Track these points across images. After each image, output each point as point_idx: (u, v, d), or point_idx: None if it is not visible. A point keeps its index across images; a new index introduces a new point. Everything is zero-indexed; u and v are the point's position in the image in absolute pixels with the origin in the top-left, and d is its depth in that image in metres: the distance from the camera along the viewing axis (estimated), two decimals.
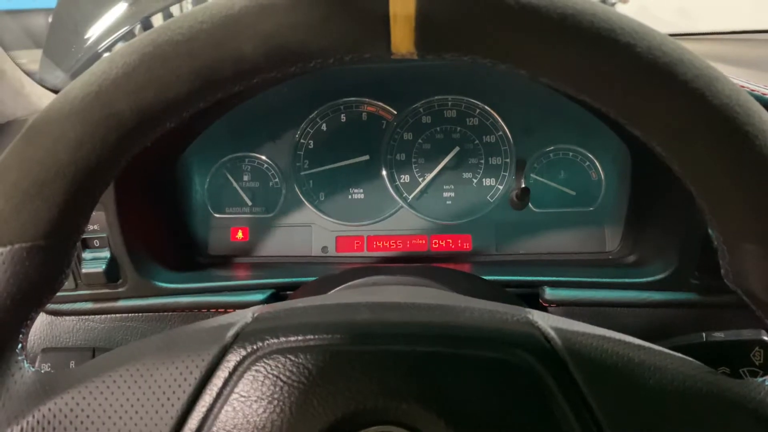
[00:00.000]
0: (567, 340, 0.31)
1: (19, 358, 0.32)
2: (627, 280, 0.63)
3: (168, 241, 0.70)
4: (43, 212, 0.30)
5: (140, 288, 0.64)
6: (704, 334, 0.50)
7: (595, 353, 0.31)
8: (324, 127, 0.75)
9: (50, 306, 0.64)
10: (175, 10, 1.11)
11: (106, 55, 0.31)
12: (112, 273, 0.63)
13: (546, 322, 0.33)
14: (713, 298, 0.60)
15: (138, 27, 1.11)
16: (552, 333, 0.32)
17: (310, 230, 0.76)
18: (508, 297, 0.55)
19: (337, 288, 0.53)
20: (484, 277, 0.62)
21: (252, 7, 0.27)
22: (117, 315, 0.65)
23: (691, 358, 0.34)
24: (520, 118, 0.73)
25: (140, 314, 0.65)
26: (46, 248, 0.31)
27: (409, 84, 0.74)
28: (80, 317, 0.65)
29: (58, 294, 0.62)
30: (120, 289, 0.64)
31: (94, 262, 0.62)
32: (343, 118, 0.75)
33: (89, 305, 0.64)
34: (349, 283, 0.53)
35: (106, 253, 0.62)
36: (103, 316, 0.65)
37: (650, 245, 0.67)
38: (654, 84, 0.27)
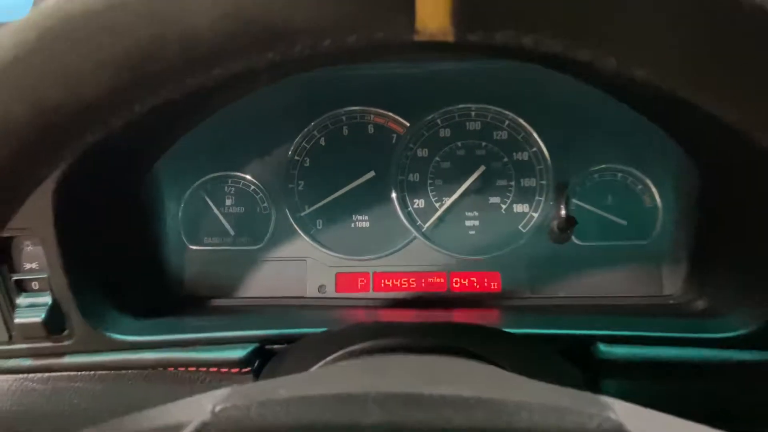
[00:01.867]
0: None
1: None
2: (701, 335, 0.50)
3: (130, 280, 0.57)
4: None
5: (91, 341, 0.52)
6: None
7: None
8: (323, 141, 0.64)
9: None
10: None
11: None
12: (55, 323, 0.51)
13: (638, 426, 0.24)
14: None
15: None
16: None
17: (305, 265, 0.64)
18: (564, 369, 0.43)
19: (336, 354, 0.40)
20: (522, 330, 0.49)
21: None
22: (63, 373, 0.52)
23: None
24: (558, 131, 0.63)
25: (92, 373, 0.52)
26: None
27: (425, 90, 0.64)
28: (17, 376, 0.52)
29: None
30: (66, 343, 0.52)
31: (31, 309, 0.50)
32: (345, 131, 0.65)
33: (27, 362, 0.52)
34: (351, 348, 0.40)
35: (47, 299, 0.50)
36: (45, 374, 0.52)
37: (724, 289, 0.54)
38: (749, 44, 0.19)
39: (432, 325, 0.43)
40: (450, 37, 0.21)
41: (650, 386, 0.50)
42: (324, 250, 0.64)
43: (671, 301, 0.59)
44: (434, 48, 0.21)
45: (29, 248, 0.50)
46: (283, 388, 0.28)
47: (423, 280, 0.63)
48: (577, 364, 0.46)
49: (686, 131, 0.53)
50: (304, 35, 0.21)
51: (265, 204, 0.64)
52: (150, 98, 0.23)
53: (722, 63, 0.20)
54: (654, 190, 0.61)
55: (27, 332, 0.50)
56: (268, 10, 0.20)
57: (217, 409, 0.26)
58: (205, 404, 0.26)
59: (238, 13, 0.20)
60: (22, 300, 0.50)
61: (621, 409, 0.25)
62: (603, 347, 0.50)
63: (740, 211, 0.53)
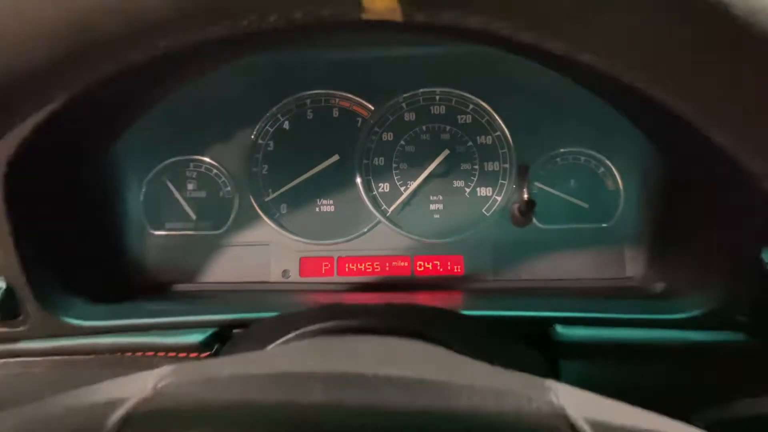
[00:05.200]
0: None
1: None
2: (656, 317, 0.51)
3: (88, 264, 0.56)
4: None
5: (46, 326, 0.51)
6: None
7: None
8: (287, 125, 0.64)
9: None
10: None
11: None
12: (8, 307, 0.50)
13: (580, 411, 0.24)
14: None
15: None
16: (587, 429, 0.23)
17: (268, 250, 0.64)
18: (518, 351, 0.43)
19: (287, 336, 0.40)
20: (481, 312, 0.50)
21: None
22: (18, 359, 0.51)
23: None
24: (522, 115, 0.63)
25: (47, 358, 0.51)
26: None
27: (390, 74, 0.63)
28: None
29: None
30: (20, 328, 0.51)
31: None
32: (309, 114, 0.64)
33: None
34: (303, 330, 0.40)
35: (0, 283, 0.49)
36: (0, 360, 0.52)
37: (684, 272, 0.55)
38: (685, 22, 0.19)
39: (385, 306, 0.43)
40: (397, 17, 0.20)
41: (607, 367, 0.50)
42: (288, 234, 0.63)
43: (633, 284, 0.60)
44: (383, 27, 0.21)
45: None
46: (227, 366, 0.28)
47: (387, 264, 0.63)
48: (536, 347, 0.46)
49: (647, 117, 0.53)
50: (250, 10, 0.20)
51: (228, 188, 0.64)
52: (89, 75, 0.22)
53: (666, 51, 0.20)
54: (616, 173, 0.61)
55: None
56: None
57: (159, 385, 0.25)
58: (148, 381, 0.26)
59: None
60: None
61: (563, 393, 0.26)
62: (560, 329, 0.51)
63: (698, 197, 0.53)
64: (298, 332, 0.39)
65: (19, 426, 0.25)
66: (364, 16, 0.21)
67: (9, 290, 0.50)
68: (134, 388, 0.25)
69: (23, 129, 0.44)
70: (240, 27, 0.21)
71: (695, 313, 0.50)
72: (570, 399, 0.25)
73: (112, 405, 0.24)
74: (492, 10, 0.20)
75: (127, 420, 0.24)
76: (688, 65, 0.20)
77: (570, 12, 0.20)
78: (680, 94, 0.21)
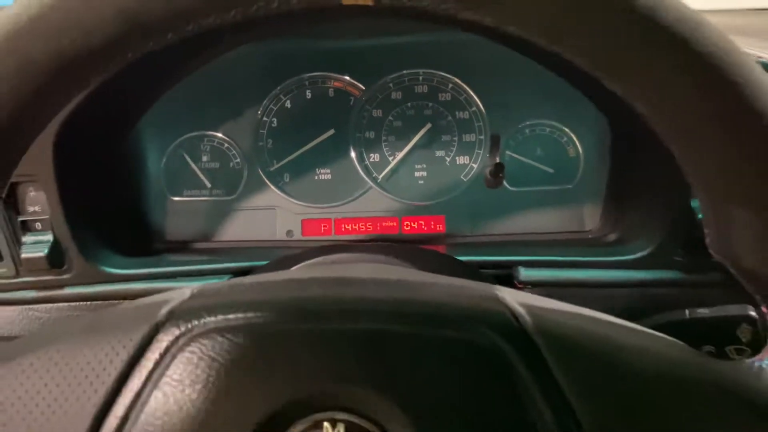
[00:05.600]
0: (537, 318, 0.29)
1: None
2: (607, 259, 0.60)
3: (119, 224, 0.65)
4: None
5: (87, 274, 0.60)
6: (687, 311, 0.47)
7: (567, 332, 0.29)
8: (288, 104, 0.72)
9: None
10: None
11: None
12: (56, 258, 0.58)
13: (514, 298, 0.31)
14: (699, 276, 0.57)
15: None
16: (521, 310, 0.30)
17: (274, 213, 0.72)
18: (476, 274, 0.52)
19: (296, 267, 0.49)
20: (458, 258, 0.58)
21: None
22: (63, 304, 0.61)
23: (673, 338, 0.32)
24: (495, 92, 0.71)
25: (89, 302, 0.60)
26: None
27: (378, 58, 0.71)
28: (23, 307, 0.61)
29: None
30: (65, 276, 0.60)
31: (35, 246, 0.58)
32: (308, 94, 0.72)
33: (32, 294, 0.60)
34: (306, 262, 0.49)
35: (49, 237, 0.58)
36: (48, 305, 0.61)
37: (632, 223, 0.64)
38: (633, 27, 0.25)
39: (367, 245, 0.52)
40: (369, 2, 0.29)
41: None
42: (291, 199, 0.72)
43: (590, 236, 0.68)
44: (361, 12, 0.29)
45: (32, 193, 0.57)
46: (247, 279, 0.36)
47: (378, 224, 0.71)
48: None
49: (591, 88, 0.62)
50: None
51: (238, 160, 0.72)
52: (141, 47, 0.30)
53: (569, 17, 0.28)
54: (576, 142, 0.70)
55: (32, 266, 0.58)
56: None
57: (195, 291, 0.33)
58: (186, 290, 0.34)
59: None
60: (27, 238, 0.58)
61: (506, 290, 0.32)
62: (523, 270, 0.60)
63: (640, 157, 0.62)
64: (305, 263, 0.48)
65: (92, 321, 0.34)
66: (344, 2, 0.26)
67: (56, 243, 0.58)
68: (176, 294, 0.34)
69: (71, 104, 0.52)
70: (250, 12, 0.29)
71: (639, 255, 0.59)
72: (510, 293, 0.32)
73: (160, 304, 0.31)
74: None
75: (172, 312, 0.30)
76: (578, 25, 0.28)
77: None
78: (574, 50, 0.29)
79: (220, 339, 0.29)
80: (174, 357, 0.28)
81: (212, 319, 0.29)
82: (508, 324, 0.29)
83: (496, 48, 0.63)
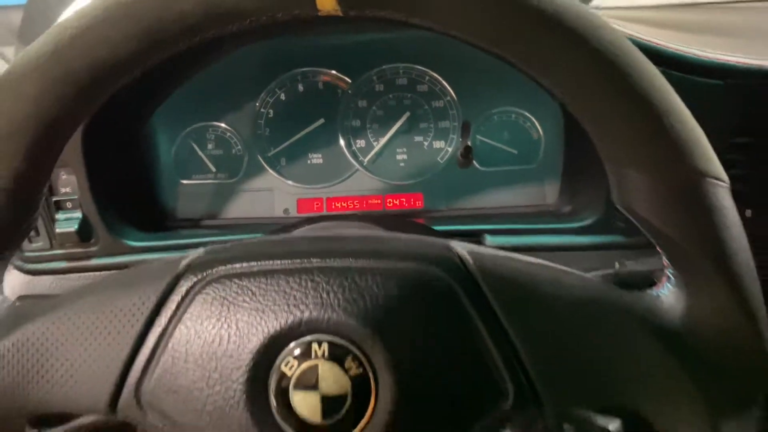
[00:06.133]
0: (478, 260, 0.35)
1: None
2: (561, 226, 0.69)
3: (138, 204, 0.74)
4: (9, 160, 0.34)
5: (112, 247, 0.68)
6: (617, 263, 0.55)
7: (501, 270, 0.35)
8: (283, 96, 0.79)
9: (27, 266, 0.69)
10: None
11: (60, 19, 0.34)
12: (85, 232, 0.67)
13: (462, 247, 0.36)
14: (637, 239, 0.66)
15: None
16: (466, 254, 0.36)
17: (272, 194, 0.81)
18: (438, 234, 0.61)
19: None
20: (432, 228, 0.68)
21: None
22: (90, 273, 0.69)
23: (588, 275, 0.37)
24: (466, 83, 0.78)
25: (112, 271, 0.69)
26: (14, 192, 0.34)
27: (363, 54, 0.78)
28: (56, 276, 0.69)
29: (35, 254, 0.67)
30: (92, 248, 0.68)
31: (67, 222, 0.66)
32: (300, 87, 0.79)
33: (64, 264, 0.69)
34: (297, 230, 0.58)
35: (78, 214, 0.67)
36: (77, 274, 0.69)
37: (583, 196, 0.72)
38: (544, 29, 0.31)
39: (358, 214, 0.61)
40: (340, 13, 0.31)
41: None
42: (287, 181, 0.80)
43: (549, 208, 0.77)
44: (335, 20, 0.36)
45: (64, 177, 0.66)
46: (246, 240, 0.45)
47: (364, 202, 0.80)
48: None
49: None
50: (250, 13, 0.31)
51: (239, 147, 0.80)
52: (158, 56, 0.33)
53: (495, 24, 0.32)
54: (538, 126, 0.78)
55: (64, 240, 0.66)
56: (226, 0, 0.31)
57: (207, 249, 0.37)
58: (199, 249, 0.37)
59: (208, 1, 0.31)
60: (60, 216, 0.66)
61: (455, 242, 0.37)
62: (489, 237, 0.69)
63: (589, 140, 0.71)
64: (296, 231, 0.57)
65: (124, 275, 0.37)
66: (320, 14, 0.31)
67: (85, 220, 0.67)
68: (192, 252, 0.37)
69: None
70: (245, 25, 0.32)
71: (587, 222, 0.68)
72: (459, 244, 0.36)
73: (179, 259, 0.36)
74: (378, 6, 0.31)
75: (189, 265, 0.35)
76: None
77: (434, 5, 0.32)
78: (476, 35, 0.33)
79: (228, 283, 0.34)
80: (192, 299, 0.34)
81: (221, 268, 0.35)
82: (455, 264, 0.35)
83: (466, 46, 0.71)
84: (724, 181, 0.34)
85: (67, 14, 0.34)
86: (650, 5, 1.19)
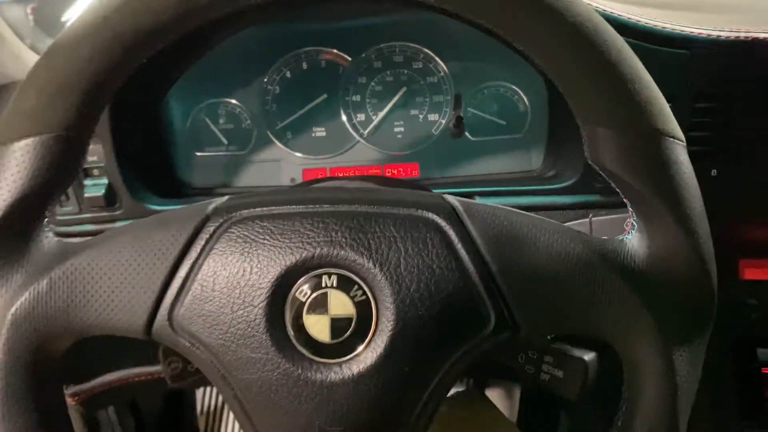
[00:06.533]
0: (466, 207, 0.41)
1: (45, 228, 0.42)
2: (544, 187, 0.75)
3: (157, 173, 0.80)
4: (64, 110, 0.38)
5: (135, 210, 0.74)
6: (591, 215, 0.62)
7: (484, 214, 0.40)
8: (288, 74, 0.85)
9: (58, 228, 0.75)
10: None
11: None
12: (111, 197, 0.73)
13: (454, 199, 0.42)
14: (613, 198, 0.72)
15: None
16: (456, 203, 0.41)
17: (280, 165, 0.87)
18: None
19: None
20: None
21: None
22: None
23: (563, 224, 0.43)
24: (458, 60, 0.83)
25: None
26: (67, 138, 0.39)
27: (362, 34, 0.83)
28: (83, 238, 0.76)
29: (65, 218, 0.73)
30: (117, 212, 0.74)
31: (94, 187, 0.73)
32: (304, 65, 0.85)
33: (91, 227, 0.75)
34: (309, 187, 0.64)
35: (105, 180, 0.73)
36: None
37: (564, 162, 0.78)
38: (524, 6, 0.36)
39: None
40: None
41: None
42: (293, 152, 0.85)
43: (535, 174, 0.83)
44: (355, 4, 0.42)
45: (91, 146, 0.72)
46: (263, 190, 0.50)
47: (365, 171, 0.85)
48: None
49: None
50: None
51: (249, 121, 0.85)
52: (193, 22, 0.37)
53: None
54: (524, 98, 0.83)
55: (91, 203, 0.72)
56: None
57: (230, 197, 0.42)
58: (223, 197, 0.43)
59: None
60: (87, 182, 0.72)
61: (450, 196, 0.42)
62: (479, 198, 0.75)
63: (568, 109, 0.77)
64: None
65: (157, 217, 0.42)
66: None
67: (110, 186, 0.73)
68: (217, 199, 0.42)
69: None
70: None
71: (568, 183, 0.74)
72: (452, 198, 0.41)
73: (206, 204, 0.41)
74: None
75: (216, 208, 0.40)
76: None
77: None
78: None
79: (250, 223, 0.39)
80: (219, 237, 0.39)
81: (244, 211, 0.40)
82: (446, 210, 0.40)
83: (458, 24, 0.77)
84: (680, 139, 0.39)
85: None
86: None
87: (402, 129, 0.86)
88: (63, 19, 1.17)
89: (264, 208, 0.41)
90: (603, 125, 0.38)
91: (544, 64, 0.39)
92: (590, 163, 0.41)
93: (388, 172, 0.86)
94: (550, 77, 0.39)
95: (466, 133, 0.85)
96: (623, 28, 0.65)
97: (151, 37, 0.38)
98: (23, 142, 0.38)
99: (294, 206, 0.41)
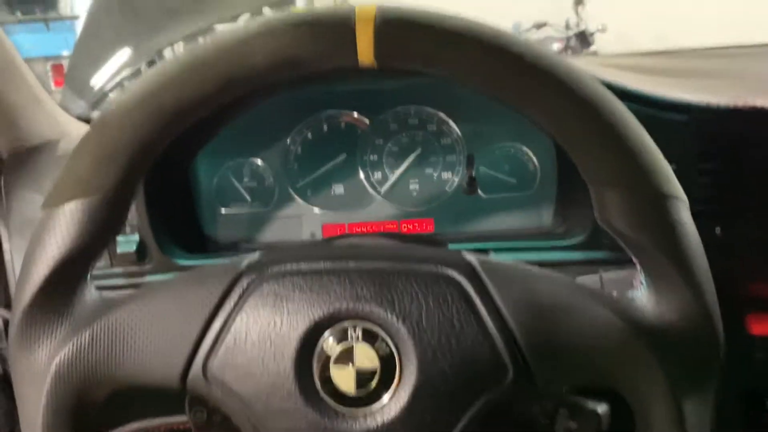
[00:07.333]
0: (484, 264, 0.43)
1: (88, 283, 0.45)
2: (555, 243, 0.78)
3: (185, 229, 0.84)
4: (112, 175, 0.41)
5: (163, 265, 0.77)
6: (601, 271, 0.65)
7: (502, 272, 0.43)
8: (310, 135, 0.89)
9: None
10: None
11: (157, 66, 0.42)
12: (141, 253, 0.77)
13: (472, 255, 0.44)
14: (621, 254, 0.75)
15: (143, 66, 1.29)
16: (474, 260, 0.43)
17: (300, 220, 0.90)
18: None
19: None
20: None
21: (262, 31, 0.39)
22: None
23: (576, 280, 0.46)
24: (470, 122, 0.87)
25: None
26: (112, 200, 0.42)
27: (380, 98, 0.88)
28: (114, 291, 0.79)
29: (97, 272, 0.77)
30: (147, 267, 0.77)
31: (126, 244, 0.76)
32: (325, 127, 0.89)
33: (121, 281, 0.78)
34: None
35: (136, 237, 0.77)
36: (133, 290, 0.79)
37: (574, 219, 0.82)
38: (540, 80, 0.39)
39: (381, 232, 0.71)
40: (376, 66, 0.39)
41: None
42: (313, 209, 0.89)
43: (546, 230, 0.86)
44: (372, 71, 0.41)
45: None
46: (292, 246, 0.54)
47: (382, 227, 0.88)
48: None
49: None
50: (307, 64, 0.39)
51: (271, 179, 0.89)
52: (231, 96, 0.40)
53: (496, 75, 0.42)
54: (534, 158, 0.87)
55: (123, 259, 0.75)
56: (289, 54, 0.39)
57: (261, 253, 0.44)
58: (255, 254, 0.44)
59: (275, 54, 0.38)
60: (120, 239, 0.75)
61: (468, 252, 0.43)
62: (494, 255, 0.78)
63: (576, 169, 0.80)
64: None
65: (194, 273, 0.45)
66: (360, 66, 0.39)
67: (141, 242, 0.76)
68: (249, 255, 0.44)
69: None
70: (300, 72, 0.40)
71: (577, 240, 0.77)
72: (470, 254, 0.43)
73: (240, 260, 0.43)
74: (409, 61, 0.40)
75: (249, 265, 0.42)
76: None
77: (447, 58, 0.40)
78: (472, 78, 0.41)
79: (281, 279, 0.42)
80: (251, 292, 0.41)
81: (275, 267, 0.42)
82: (465, 266, 0.42)
83: (470, 90, 0.82)
84: (682, 199, 0.42)
85: (162, 62, 0.42)
86: (643, 52, 1.32)
87: (417, 186, 0.90)
88: (92, 82, 1.24)
89: (293, 265, 0.43)
90: (610, 187, 0.41)
91: (553, 132, 0.42)
92: (599, 222, 0.44)
93: (404, 227, 0.90)
94: (558, 142, 0.43)
95: (479, 191, 0.88)
96: (627, 95, 0.70)
97: (194, 108, 0.41)
98: (73, 204, 0.41)
99: (321, 262, 0.43)
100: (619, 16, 4.72)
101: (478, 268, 0.42)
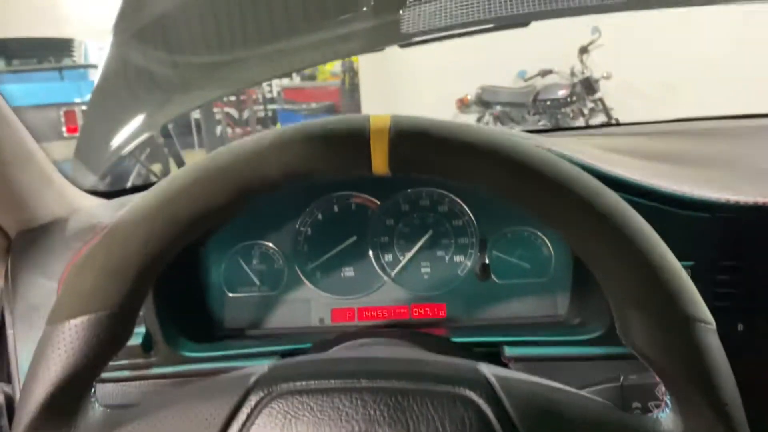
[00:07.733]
0: (503, 383, 0.41)
1: (92, 399, 0.44)
2: (573, 338, 0.76)
3: (192, 317, 0.83)
4: (118, 289, 0.41)
5: (169, 358, 0.76)
6: (622, 378, 0.62)
7: (522, 392, 0.41)
8: (320, 216, 0.88)
9: None
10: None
11: (169, 176, 0.42)
12: (147, 345, 0.75)
13: (489, 370, 0.42)
14: None
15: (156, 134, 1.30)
16: (492, 378, 0.42)
17: (309, 305, 0.89)
18: (468, 355, 0.68)
19: (333, 348, 0.66)
20: (455, 339, 0.75)
21: (276, 144, 0.40)
22: (150, 381, 0.77)
23: (599, 399, 0.44)
24: (483, 205, 0.87)
25: (169, 380, 0.77)
26: (120, 315, 0.41)
27: (390, 180, 0.87)
28: (119, 384, 0.77)
29: None
30: (152, 359, 0.76)
31: (133, 336, 0.75)
32: (335, 208, 0.88)
33: (127, 373, 0.77)
34: (342, 345, 0.66)
35: (143, 329, 0.75)
36: (138, 382, 0.77)
37: (591, 309, 0.80)
38: (557, 196, 0.40)
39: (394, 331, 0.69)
40: (390, 174, 0.41)
41: (541, 375, 0.75)
42: (322, 293, 0.88)
43: (560, 319, 0.84)
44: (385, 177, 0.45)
45: None
46: (302, 358, 0.53)
47: (392, 311, 0.87)
48: (492, 362, 0.71)
49: None
50: (320, 173, 0.41)
51: (280, 262, 0.88)
52: (243, 205, 0.41)
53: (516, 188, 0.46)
54: (548, 243, 0.86)
55: (128, 352, 0.74)
56: (302, 166, 0.40)
57: (270, 366, 0.43)
58: (264, 366, 0.44)
59: (288, 166, 0.40)
60: None
61: (484, 364, 0.43)
62: (508, 348, 0.76)
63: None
64: (341, 345, 0.65)
65: (200, 388, 0.43)
66: (374, 174, 0.41)
67: (147, 334, 0.75)
68: (258, 368, 0.43)
69: None
70: (313, 180, 0.42)
71: (595, 335, 0.75)
72: (487, 367, 0.42)
73: (248, 375, 0.42)
74: (419, 170, 0.42)
75: (258, 381, 0.41)
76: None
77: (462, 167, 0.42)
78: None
79: (290, 398, 0.40)
80: (260, 411, 0.40)
81: (284, 386, 0.41)
82: (483, 386, 0.41)
83: None
84: (710, 323, 0.40)
85: (173, 173, 0.42)
86: (662, 120, 1.32)
87: (428, 270, 0.88)
88: (102, 154, 1.25)
89: (303, 383, 0.42)
90: (634, 309, 0.40)
91: (572, 247, 0.42)
92: (621, 339, 0.43)
93: (415, 312, 0.88)
94: (583, 260, 0.41)
95: (492, 276, 0.87)
96: (647, 192, 0.69)
97: (207, 218, 0.41)
98: (78, 320, 0.40)
99: (333, 380, 0.42)
100: (624, 64, 4.79)
101: (497, 387, 0.41)
